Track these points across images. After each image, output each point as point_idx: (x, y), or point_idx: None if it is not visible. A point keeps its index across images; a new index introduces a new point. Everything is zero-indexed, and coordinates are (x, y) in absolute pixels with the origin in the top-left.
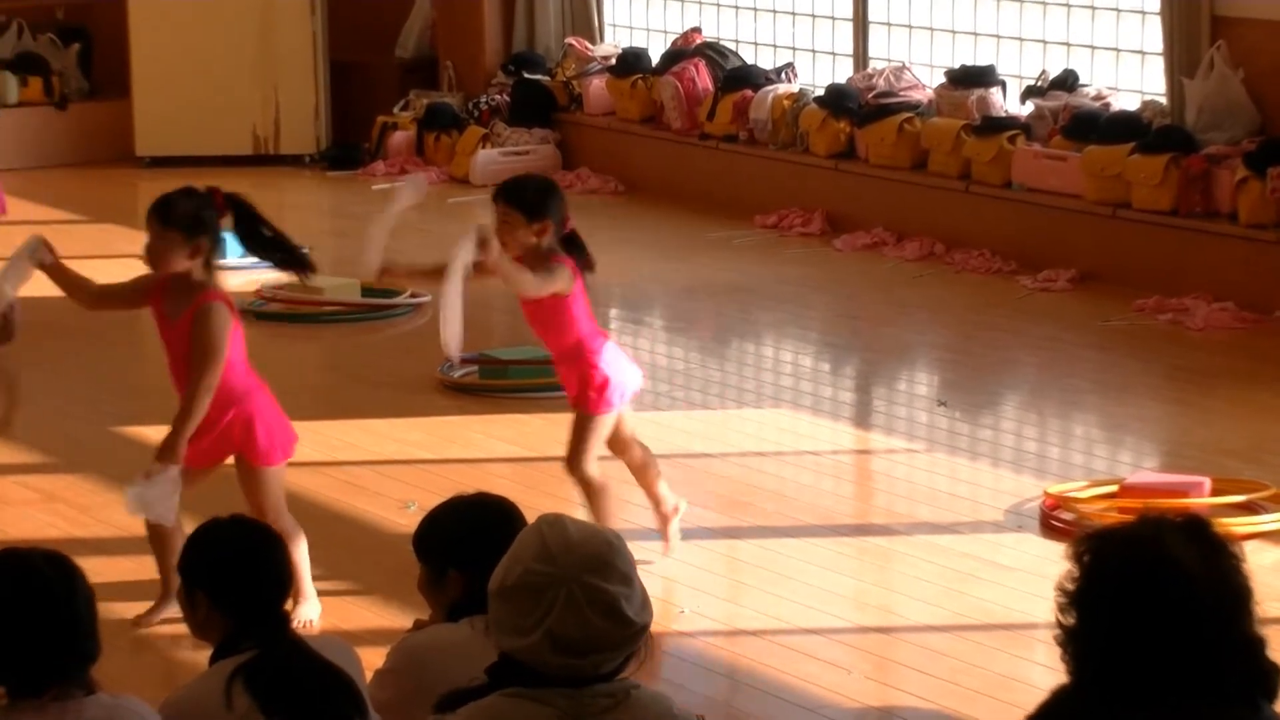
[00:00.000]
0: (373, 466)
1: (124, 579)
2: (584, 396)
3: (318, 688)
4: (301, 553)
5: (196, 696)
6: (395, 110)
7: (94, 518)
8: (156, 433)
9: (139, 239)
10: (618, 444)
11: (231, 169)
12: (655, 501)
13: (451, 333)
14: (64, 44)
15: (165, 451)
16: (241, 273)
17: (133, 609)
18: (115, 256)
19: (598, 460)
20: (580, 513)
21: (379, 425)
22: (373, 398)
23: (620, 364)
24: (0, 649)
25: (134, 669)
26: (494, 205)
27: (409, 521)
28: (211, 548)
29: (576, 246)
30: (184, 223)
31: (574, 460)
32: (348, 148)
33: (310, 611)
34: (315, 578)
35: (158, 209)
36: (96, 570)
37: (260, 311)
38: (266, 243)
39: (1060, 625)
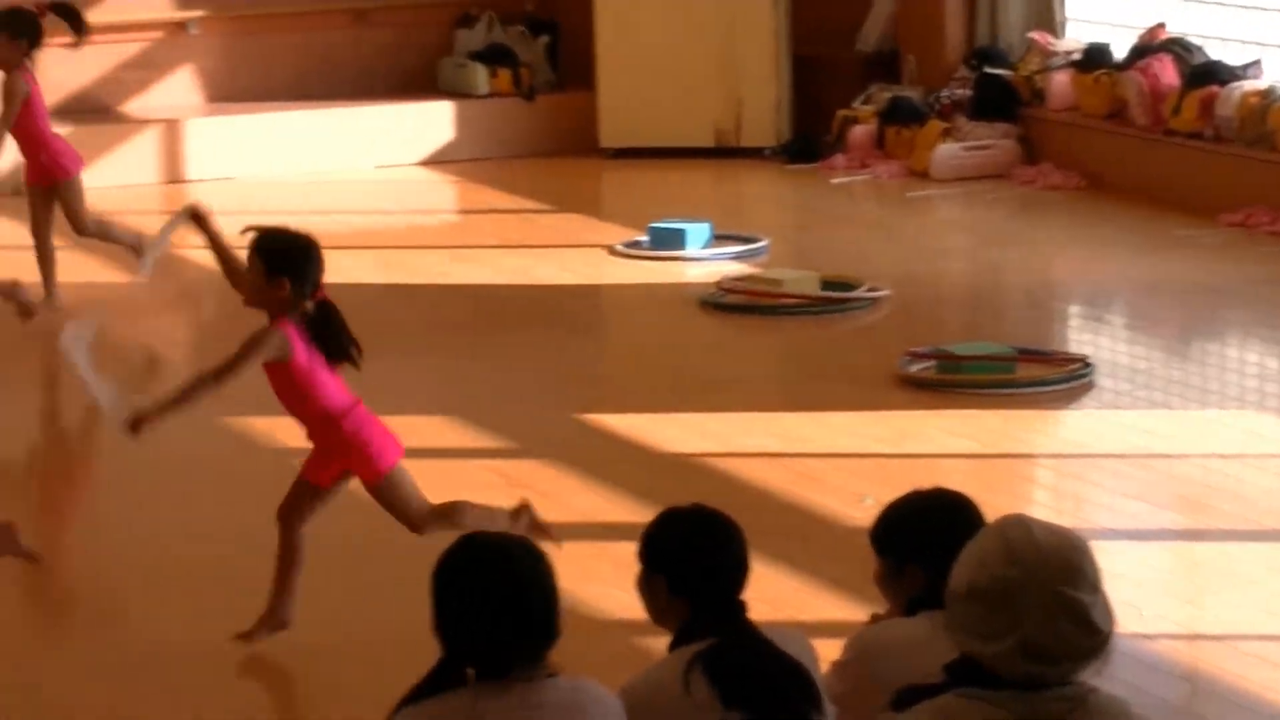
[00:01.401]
0: (829, 460)
1: (584, 563)
2: (363, 464)
3: (775, 678)
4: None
5: (655, 683)
6: (855, 103)
7: (556, 503)
8: (617, 420)
9: (603, 229)
10: (303, 512)
11: (693, 161)
12: (277, 596)
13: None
14: (533, 36)
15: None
16: (702, 264)
17: (591, 593)
18: (579, 246)
19: (425, 502)
20: (1039, 512)
21: (835, 418)
22: (829, 391)
23: (376, 428)
24: (473, 632)
25: (592, 653)
26: (246, 248)
27: (864, 515)
28: (672, 535)
29: (328, 322)
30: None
31: (417, 527)
32: (808, 141)
33: None
34: (771, 572)
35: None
36: (557, 554)
37: (720, 303)
38: None
39: None
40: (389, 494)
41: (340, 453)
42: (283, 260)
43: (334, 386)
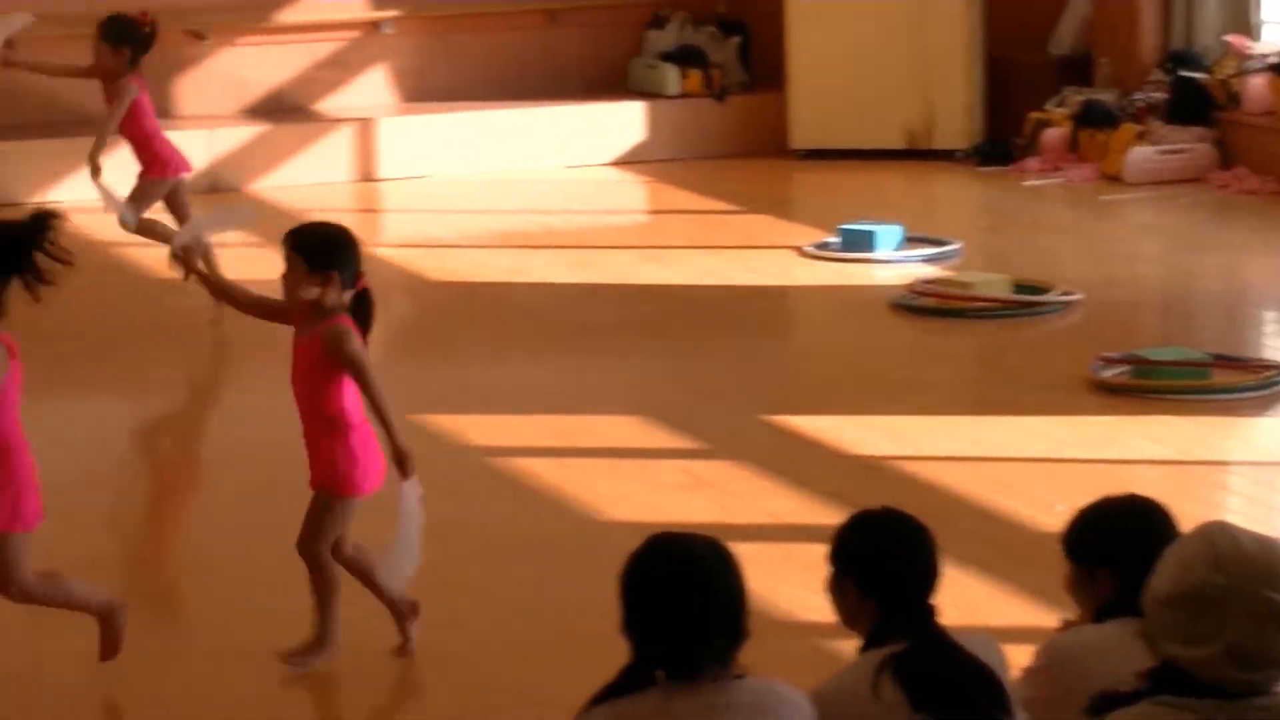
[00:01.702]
0: (1020, 464)
1: (773, 565)
2: (332, 476)
3: (965, 683)
4: None
5: (846, 686)
6: (1048, 106)
7: (744, 504)
8: (806, 422)
9: (793, 231)
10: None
11: (883, 163)
12: (392, 608)
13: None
14: (724, 37)
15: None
16: (892, 266)
17: (781, 595)
18: (769, 247)
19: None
20: (1232, 520)
21: (1027, 423)
22: (1021, 395)
23: (372, 452)
24: (662, 633)
25: (781, 655)
26: (282, 248)
27: (1055, 520)
28: (863, 537)
29: (364, 310)
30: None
31: (305, 542)
32: (1000, 144)
33: None
34: (962, 576)
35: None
36: (743, 556)
37: (911, 305)
38: None
39: None
40: (334, 513)
41: (325, 459)
42: (327, 255)
43: (354, 394)
